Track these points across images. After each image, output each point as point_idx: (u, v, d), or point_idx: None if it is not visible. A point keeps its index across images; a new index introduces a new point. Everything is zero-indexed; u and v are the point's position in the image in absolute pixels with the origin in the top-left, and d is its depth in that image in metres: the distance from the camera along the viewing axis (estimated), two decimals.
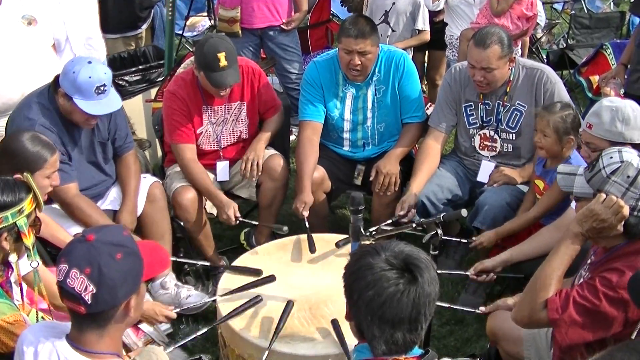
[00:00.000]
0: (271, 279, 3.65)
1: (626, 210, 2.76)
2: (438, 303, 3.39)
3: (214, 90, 4.54)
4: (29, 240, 2.88)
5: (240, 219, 4.53)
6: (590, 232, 2.85)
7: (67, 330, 2.38)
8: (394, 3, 6.20)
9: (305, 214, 4.44)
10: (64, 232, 3.93)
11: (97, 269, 2.21)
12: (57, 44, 4.73)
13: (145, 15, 7.03)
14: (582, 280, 3.03)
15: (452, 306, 3.80)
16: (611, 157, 2.85)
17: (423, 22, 6.24)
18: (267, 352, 3.16)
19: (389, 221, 4.43)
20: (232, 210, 4.49)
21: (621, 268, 2.79)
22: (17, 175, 3.34)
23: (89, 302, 2.22)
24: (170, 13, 6.18)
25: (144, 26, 7.06)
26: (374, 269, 2.18)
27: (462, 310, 3.87)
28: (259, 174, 4.74)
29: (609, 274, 2.80)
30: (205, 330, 3.54)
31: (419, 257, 2.22)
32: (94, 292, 2.21)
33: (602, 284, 2.79)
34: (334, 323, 3.24)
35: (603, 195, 2.80)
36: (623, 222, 2.79)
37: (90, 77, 3.92)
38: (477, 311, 3.58)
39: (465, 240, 4.19)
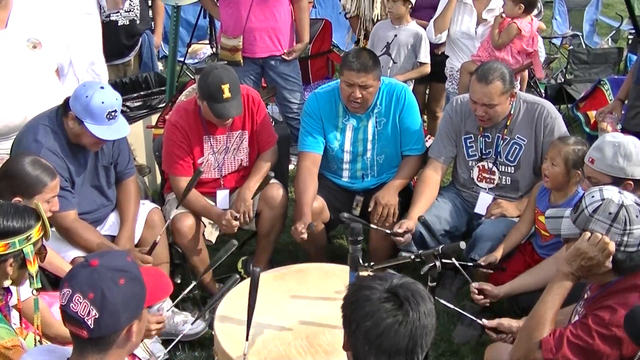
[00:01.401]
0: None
1: (612, 247, 2.81)
2: (443, 302, 3.40)
3: (216, 121, 4.57)
4: (34, 267, 2.89)
5: (235, 214, 4.59)
6: (579, 271, 2.90)
7: (67, 354, 2.38)
8: (396, 35, 6.24)
9: (305, 236, 4.45)
10: (59, 258, 3.95)
11: (100, 294, 2.22)
12: (61, 68, 4.76)
13: (132, 44, 7.03)
14: (577, 316, 3.06)
15: (457, 309, 3.82)
16: (592, 197, 2.91)
17: (425, 55, 6.28)
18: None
19: (388, 231, 4.48)
20: (229, 214, 4.54)
21: (613, 306, 2.81)
22: (17, 199, 3.36)
23: (92, 327, 2.23)
24: (173, 41, 6.21)
25: (132, 54, 7.06)
26: (372, 300, 2.22)
27: (465, 316, 3.86)
28: (251, 222, 4.78)
29: (601, 312, 2.83)
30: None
31: (416, 289, 2.27)
32: (96, 317, 2.22)
33: (594, 322, 2.82)
34: None
35: (588, 234, 2.86)
36: (611, 259, 2.83)
37: (103, 102, 3.97)
38: (480, 322, 3.58)
39: (471, 264, 4.19)
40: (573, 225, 2.96)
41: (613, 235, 2.82)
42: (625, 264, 2.85)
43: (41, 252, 2.98)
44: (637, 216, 2.83)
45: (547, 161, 4.21)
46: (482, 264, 4.21)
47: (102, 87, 4.04)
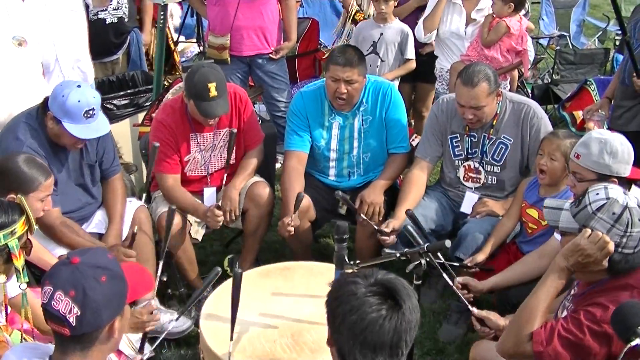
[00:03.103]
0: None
1: (611, 247, 2.80)
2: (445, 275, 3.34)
3: (202, 119, 4.57)
4: (20, 261, 2.89)
5: (218, 204, 4.63)
6: (575, 267, 2.89)
7: (50, 351, 2.38)
8: (382, 34, 6.25)
9: (291, 230, 4.47)
10: (49, 254, 3.93)
11: (82, 292, 2.22)
12: (46, 65, 4.76)
13: (121, 41, 7.03)
14: (565, 311, 3.06)
15: (454, 287, 3.81)
16: (597, 194, 2.89)
17: (411, 51, 6.30)
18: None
19: (375, 227, 4.50)
20: (213, 207, 4.56)
21: (605, 303, 2.81)
22: (11, 196, 3.35)
23: (74, 324, 2.22)
24: (160, 39, 6.20)
25: (120, 52, 7.05)
26: (357, 295, 2.22)
27: (456, 305, 3.85)
28: (237, 220, 4.79)
29: (593, 309, 2.83)
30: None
31: (401, 285, 2.27)
32: (78, 314, 2.21)
33: (586, 317, 2.82)
34: None
35: (589, 231, 2.84)
36: (608, 258, 2.83)
37: (79, 101, 3.93)
38: (470, 308, 3.59)
39: (458, 264, 4.19)
40: (572, 219, 2.94)
41: (613, 236, 2.81)
42: (620, 265, 2.85)
43: (27, 246, 2.98)
44: (639, 219, 2.83)
45: (544, 157, 4.19)
46: (469, 264, 4.22)
47: (78, 86, 4.00)
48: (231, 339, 3.24)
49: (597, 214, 2.85)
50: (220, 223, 4.62)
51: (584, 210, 2.89)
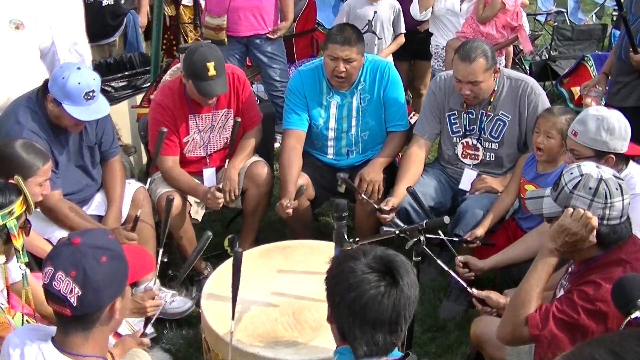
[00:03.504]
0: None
1: (594, 221, 2.83)
2: (440, 262, 3.41)
3: (201, 99, 4.57)
4: (19, 242, 2.91)
5: (218, 185, 4.62)
6: (564, 247, 2.92)
7: (52, 333, 2.41)
8: (375, 12, 6.25)
9: (289, 212, 4.48)
10: (42, 240, 3.97)
11: (83, 272, 2.24)
12: (43, 48, 4.75)
13: (117, 24, 7.01)
14: (562, 290, 3.08)
15: (449, 271, 3.77)
16: (571, 173, 2.93)
17: (402, 26, 6.34)
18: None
19: (375, 205, 4.49)
20: (213, 189, 4.56)
21: (597, 280, 2.84)
22: (10, 181, 3.36)
23: (75, 305, 2.24)
24: (157, 20, 6.19)
25: (117, 34, 7.03)
26: (355, 272, 2.25)
27: (455, 282, 3.85)
28: (236, 200, 4.80)
29: (586, 287, 2.85)
30: None
31: (399, 261, 2.30)
32: (79, 294, 2.23)
33: (579, 297, 2.85)
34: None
35: (570, 210, 2.87)
36: (595, 233, 2.85)
37: (79, 83, 3.95)
38: (470, 290, 3.61)
39: (457, 239, 4.20)
40: (554, 203, 2.98)
41: (595, 210, 2.84)
42: (609, 237, 2.88)
43: (25, 226, 3.00)
44: (616, 189, 2.85)
45: (540, 135, 4.20)
46: (468, 239, 4.24)
47: (78, 68, 4.02)
48: (232, 318, 3.26)
49: (574, 192, 2.89)
50: (221, 205, 4.64)
51: (562, 191, 2.94)
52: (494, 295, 3.55)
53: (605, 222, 2.86)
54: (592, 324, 2.80)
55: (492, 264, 4.01)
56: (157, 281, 4.49)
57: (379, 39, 6.29)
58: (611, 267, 2.87)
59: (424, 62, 6.77)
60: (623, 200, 2.86)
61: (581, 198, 2.87)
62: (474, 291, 3.59)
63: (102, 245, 2.32)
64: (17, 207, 2.92)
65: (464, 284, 3.74)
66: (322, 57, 4.88)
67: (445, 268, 3.74)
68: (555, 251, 2.95)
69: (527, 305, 2.95)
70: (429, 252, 3.69)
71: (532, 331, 2.89)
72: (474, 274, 3.96)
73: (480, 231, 4.29)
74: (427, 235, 3.60)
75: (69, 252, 2.27)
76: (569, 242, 2.88)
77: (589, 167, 2.92)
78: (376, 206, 4.50)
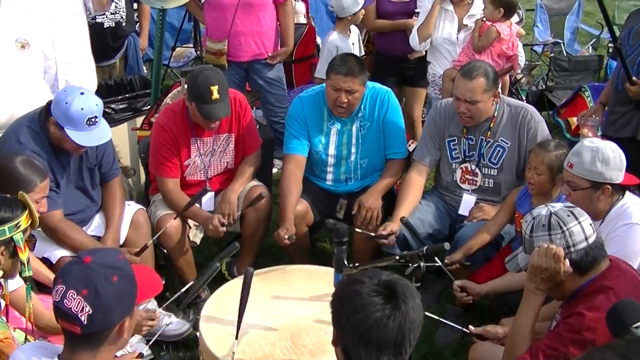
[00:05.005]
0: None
1: (560, 251, 2.94)
2: (428, 314, 3.45)
3: (203, 122, 4.60)
4: (25, 255, 2.96)
5: (222, 220, 4.59)
6: (543, 285, 3.04)
7: (59, 350, 2.41)
8: (353, 43, 6.44)
9: (287, 242, 4.48)
10: (38, 262, 3.96)
11: (94, 291, 2.26)
12: (47, 68, 4.79)
13: (118, 46, 7.05)
14: (555, 322, 3.16)
15: (442, 320, 3.83)
16: (526, 221, 3.11)
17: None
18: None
19: (372, 234, 4.52)
20: (216, 219, 4.56)
21: (581, 311, 2.92)
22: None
23: (85, 323, 2.26)
24: (158, 42, 6.23)
25: (117, 56, 7.07)
26: (362, 295, 2.29)
27: (451, 326, 3.89)
28: (235, 224, 4.81)
29: (571, 320, 2.95)
30: None
31: (405, 285, 2.35)
32: (90, 313, 2.25)
33: (565, 329, 2.94)
34: None
35: (536, 249, 3.01)
36: (568, 263, 2.95)
37: (82, 109, 3.95)
38: (466, 330, 3.63)
39: (440, 264, 4.19)
40: (526, 254, 3.13)
41: (557, 242, 2.98)
42: (584, 261, 2.99)
43: (31, 240, 3.06)
44: (568, 215, 2.99)
45: (530, 170, 4.27)
46: (446, 261, 4.24)
47: (82, 93, 4.01)
48: (236, 337, 3.27)
49: (533, 235, 3.06)
50: (222, 234, 4.65)
51: (525, 240, 3.11)
52: (490, 328, 3.62)
53: (573, 249, 2.98)
54: (577, 353, 2.82)
55: (490, 289, 4.08)
56: (155, 302, 4.51)
57: None
58: (594, 295, 2.96)
59: (416, 88, 6.83)
60: (580, 222, 2.99)
61: (540, 237, 3.03)
62: (472, 329, 3.63)
63: (113, 264, 2.35)
64: (23, 220, 2.97)
65: (460, 327, 3.76)
66: (323, 84, 4.91)
67: (441, 319, 3.83)
68: (536, 291, 3.07)
69: (518, 345, 3.08)
70: (448, 273, 3.75)
71: None
72: (472, 298, 4.00)
73: (458, 256, 4.34)
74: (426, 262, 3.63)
75: (80, 271, 2.29)
76: (545, 278, 3.01)
77: (539, 209, 3.09)
78: (372, 234, 4.52)
